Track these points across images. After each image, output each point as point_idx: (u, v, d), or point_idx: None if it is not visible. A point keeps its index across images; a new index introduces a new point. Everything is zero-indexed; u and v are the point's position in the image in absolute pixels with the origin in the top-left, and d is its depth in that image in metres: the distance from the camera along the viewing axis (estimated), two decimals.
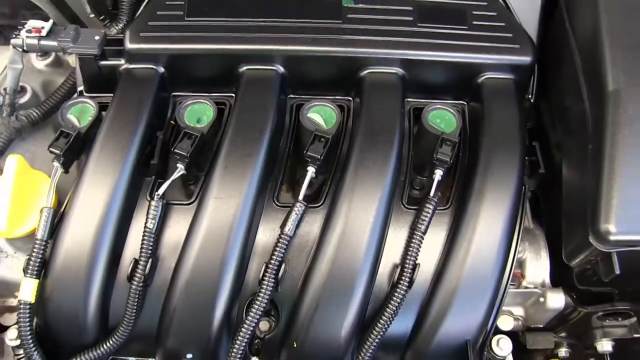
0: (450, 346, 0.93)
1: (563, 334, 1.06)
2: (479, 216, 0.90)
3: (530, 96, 1.05)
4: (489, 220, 0.90)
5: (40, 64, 1.12)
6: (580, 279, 0.98)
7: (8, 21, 1.42)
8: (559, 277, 1.02)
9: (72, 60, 1.18)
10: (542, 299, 0.99)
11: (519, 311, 1.05)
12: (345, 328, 0.89)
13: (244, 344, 0.87)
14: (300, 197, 0.89)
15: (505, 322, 1.03)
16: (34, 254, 0.85)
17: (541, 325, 1.06)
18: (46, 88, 1.12)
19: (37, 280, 0.85)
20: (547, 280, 1.01)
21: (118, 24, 1.13)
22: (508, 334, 1.03)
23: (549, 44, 1.06)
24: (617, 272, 0.83)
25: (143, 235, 0.87)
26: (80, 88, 1.01)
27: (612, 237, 0.80)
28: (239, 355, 0.88)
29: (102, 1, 1.18)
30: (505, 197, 0.90)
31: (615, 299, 1.00)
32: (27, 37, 0.95)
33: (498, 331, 1.02)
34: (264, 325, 0.95)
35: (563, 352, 1.06)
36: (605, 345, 1.00)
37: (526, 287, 1.02)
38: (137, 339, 0.93)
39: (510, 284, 1.02)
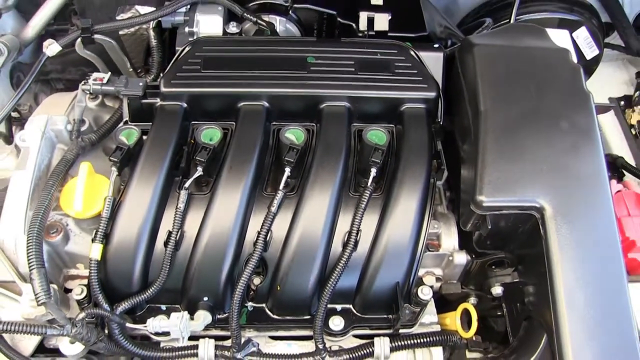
0: (385, 292, 1.30)
1: (471, 287, 1.45)
2: (399, 199, 1.30)
3: (439, 120, 1.47)
4: (407, 202, 1.30)
5: (91, 104, 1.49)
6: (477, 244, 1.39)
7: (58, 75, 1.84)
8: (464, 244, 1.41)
9: (111, 102, 1.58)
10: (451, 258, 1.38)
11: (438, 271, 1.43)
12: (312, 278, 1.28)
13: (242, 288, 1.23)
14: (281, 187, 1.29)
15: (429, 279, 1.40)
16: (100, 227, 1.22)
17: (455, 281, 1.45)
18: (96, 121, 1.50)
19: (102, 245, 1.23)
20: (456, 246, 1.40)
21: (149, 75, 1.56)
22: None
23: (450, 85, 1.51)
24: (489, 227, 1.26)
25: (175, 215, 1.26)
26: (126, 119, 1.42)
27: (484, 204, 1.21)
28: (238, 298, 1.23)
29: (138, 59, 1.62)
30: (418, 186, 1.31)
31: (506, 263, 1.43)
32: (93, 84, 1.39)
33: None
34: (256, 280, 1.32)
35: (472, 300, 1.43)
36: (497, 289, 1.39)
37: (441, 252, 1.43)
38: (167, 292, 1.28)
39: (430, 250, 1.43)
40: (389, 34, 1.62)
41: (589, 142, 1.30)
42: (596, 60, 2.03)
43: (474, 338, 1.38)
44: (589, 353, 1.13)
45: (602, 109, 1.74)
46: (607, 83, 2.30)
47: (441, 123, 1.49)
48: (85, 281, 1.29)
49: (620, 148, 2.09)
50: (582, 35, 1.92)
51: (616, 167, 1.98)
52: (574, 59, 1.48)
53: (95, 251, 1.22)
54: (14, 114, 1.73)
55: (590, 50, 1.96)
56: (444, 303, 1.46)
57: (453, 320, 1.37)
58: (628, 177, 1.96)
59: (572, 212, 1.22)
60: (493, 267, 1.40)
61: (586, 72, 2.05)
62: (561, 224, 1.20)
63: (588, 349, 1.13)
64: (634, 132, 2.13)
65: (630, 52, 2.16)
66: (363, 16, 1.62)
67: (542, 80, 1.37)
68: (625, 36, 2.11)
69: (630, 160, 2.02)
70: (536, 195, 1.22)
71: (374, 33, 1.62)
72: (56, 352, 1.27)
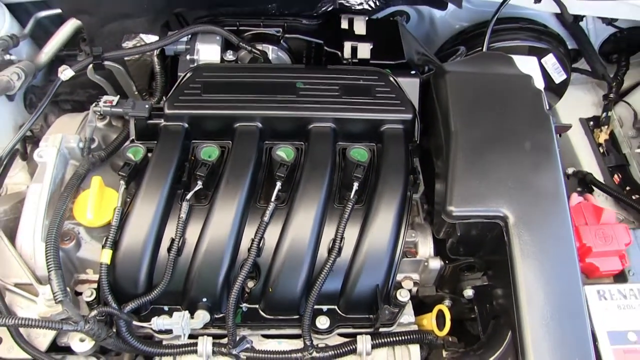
0: (366, 294, 1.42)
1: (446, 290, 1.58)
2: (378, 210, 1.43)
3: (416, 139, 1.61)
4: (385, 213, 1.43)
5: (100, 124, 1.63)
6: (450, 251, 1.52)
7: (66, 97, 1.97)
8: (439, 251, 1.54)
9: (117, 123, 1.70)
10: (427, 264, 1.51)
11: (415, 276, 1.56)
12: (300, 281, 1.41)
13: (238, 291, 1.36)
14: (273, 199, 1.43)
15: (407, 283, 1.52)
16: (110, 235, 1.35)
17: (430, 285, 1.58)
18: (104, 139, 1.64)
19: (111, 251, 1.36)
20: (432, 253, 1.53)
21: (153, 98, 1.71)
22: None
23: (426, 108, 1.65)
24: (458, 234, 1.40)
25: (177, 224, 1.39)
26: (132, 137, 1.56)
27: (454, 214, 1.35)
28: (234, 299, 1.36)
29: (141, 83, 1.77)
30: (395, 198, 1.44)
31: (475, 268, 1.57)
32: (103, 105, 1.53)
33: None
34: (250, 283, 1.45)
35: (447, 302, 1.55)
36: (468, 292, 1.51)
37: (418, 259, 1.55)
38: (170, 294, 1.40)
39: (408, 257, 1.55)
40: (371, 62, 1.74)
41: (548, 159, 1.44)
42: (565, 84, 2.18)
43: (450, 339, 1.50)
44: (546, 346, 1.25)
45: (562, 128, 1.89)
46: (577, 104, 2.44)
47: (418, 142, 1.62)
48: (95, 285, 1.41)
49: (590, 165, 2.25)
50: (550, 61, 2.08)
51: (586, 182, 2.14)
52: (539, 84, 1.65)
53: (105, 256, 1.35)
54: (27, 133, 1.86)
55: (558, 75, 2.12)
56: (421, 306, 1.59)
57: (429, 321, 1.50)
58: (596, 192, 2.12)
59: (532, 220, 1.35)
60: (464, 271, 1.54)
61: (557, 94, 2.24)
62: (522, 232, 1.34)
63: (545, 343, 1.26)
64: (601, 150, 2.29)
65: (596, 76, 2.31)
66: (347, 45, 1.74)
67: (507, 104, 1.52)
68: (591, 62, 2.26)
69: (599, 176, 2.18)
70: (500, 206, 1.35)
71: (357, 60, 1.74)
72: (67, 350, 1.40)
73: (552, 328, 1.27)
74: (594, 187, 2.11)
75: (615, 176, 2.21)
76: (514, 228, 1.35)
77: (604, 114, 2.31)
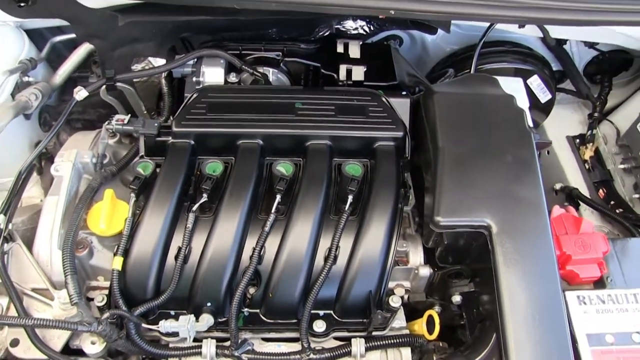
0: (360, 299, 1.50)
1: (435, 297, 1.65)
2: (371, 221, 1.51)
3: (407, 155, 1.71)
4: (377, 224, 1.51)
5: (111, 141, 1.74)
6: (439, 259, 1.61)
7: (78, 116, 2.09)
8: (428, 260, 1.62)
9: (126, 140, 1.83)
10: (417, 272, 1.59)
11: (407, 284, 1.63)
12: (298, 288, 1.49)
13: (240, 296, 1.45)
14: (273, 211, 1.52)
15: (399, 290, 1.60)
16: (121, 243, 1.45)
17: (421, 292, 1.67)
18: (114, 155, 1.74)
19: (122, 258, 1.45)
20: (422, 262, 1.61)
21: (161, 117, 1.82)
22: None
23: (416, 126, 1.75)
24: (446, 242, 1.50)
25: (184, 233, 1.49)
26: (142, 153, 1.66)
27: (441, 224, 1.44)
28: (237, 304, 1.45)
29: (149, 103, 1.89)
30: (387, 210, 1.53)
31: (463, 275, 1.66)
32: (115, 124, 1.65)
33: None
34: (252, 290, 1.53)
35: (437, 308, 1.61)
36: (456, 298, 1.57)
37: (409, 267, 1.63)
38: (176, 299, 1.48)
39: (400, 266, 1.66)
40: (364, 83, 1.84)
41: (529, 172, 1.54)
42: (551, 103, 2.30)
43: (440, 344, 1.59)
44: (528, 347, 1.33)
45: (543, 144, 2.00)
46: (564, 123, 2.54)
47: (409, 158, 1.72)
48: (105, 291, 1.50)
49: (576, 181, 2.35)
50: (536, 82, 2.20)
51: (572, 197, 2.24)
52: (524, 103, 1.76)
53: (117, 263, 1.44)
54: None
55: (544, 95, 2.24)
56: (413, 313, 1.67)
57: (420, 325, 1.58)
58: (583, 206, 2.22)
59: (514, 230, 1.44)
60: (452, 278, 1.63)
61: (544, 112, 2.35)
62: (505, 240, 1.43)
63: (527, 344, 1.33)
64: (587, 167, 2.39)
65: (580, 96, 2.43)
66: (343, 68, 1.84)
67: (491, 122, 1.63)
68: (576, 82, 2.38)
69: (585, 191, 2.28)
70: (484, 216, 1.44)
71: (351, 82, 1.84)
72: (78, 353, 1.48)
73: (534, 330, 1.35)
74: (580, 202, 2.21)
75: (600, 191, 2.28)
76: (497, 237, 1.43)
77: (589, 132, 2.40)
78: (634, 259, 1.62)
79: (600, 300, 1.52)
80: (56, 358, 1.37)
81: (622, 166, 2.27)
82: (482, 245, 1.47)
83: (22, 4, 1.67)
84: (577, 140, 2.45)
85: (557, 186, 2.30)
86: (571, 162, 2.40)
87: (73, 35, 1.95)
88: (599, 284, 1.58)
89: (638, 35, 2.05)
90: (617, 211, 2.17)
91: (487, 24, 1.99)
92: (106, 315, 1.37)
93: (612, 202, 2.23)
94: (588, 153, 2.39)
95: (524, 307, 1.37)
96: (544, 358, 1.34)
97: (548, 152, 2.49)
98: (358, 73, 1.84)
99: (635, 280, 1.57)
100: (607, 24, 1.69)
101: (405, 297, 1.65)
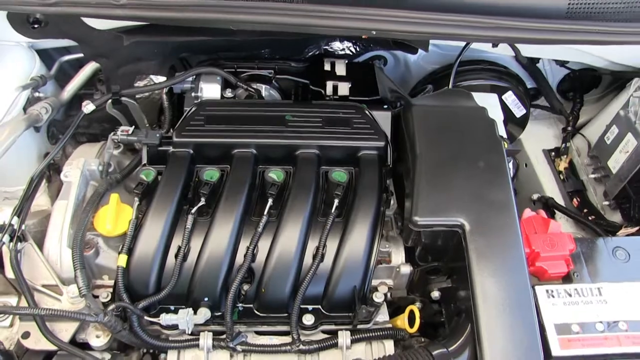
0: (345, 295, 1.60)
1: (417, 294, 1.78)
2: (355, 223, 1.62)
3: (388, 164, 1.84)
4: (361, 226, 1.62)
5: (115, 152, 1.87)
6: (419, 258, 1.73)
7: (83, 130, 2.21)
8: (409, 259, 1.75)
9: (128, 154, 1.98)
10: (398, 270, 1.70)
11: (389, 281, 1.74)
12: (288, 284, 1.59)
13: (235, 292, 1.56)
14: (265, 213, 1.66)
15: (382, 288, 1.71)
16: (126, 242, 1.57)
17: (403, 289, 1.79)
18: (118, 164, 1.87)
19: (126, 256, 1.57)
20: (403, 261, 1.72)
21: (162, 129, 1.95)
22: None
23: (397, 137, 1.89)
24: (423, 240, 1.62)
25: (183, 233, 1.62)
26: (144, 162, 1.80)
27: (419, 223, 1.55)
28: (232, 299, 1.56)
29: (151, 117, 2.03)
30: (370, 213, 1.64)
31: (440, 271, 1.79)
32: (121, 134, 1.79)
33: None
34: (245, 286, 1.64)
35: (418, 304, 1.72)
36: (435, 293, 1.66)
37: (391, 265, 1.76)
38: (175, 295, 1.58)
39: (383, 264, 1.77)
40: (350, 98, 1.95)
41: (500, 176, 1.67)
42: (526, 117, 2.45)
43: (422, 339, 1.71)
44: (500, 336, 1.44)
45: (512, 152, 2.13)
46: (541, 137, 2.67)
47: (390, 166, 1.85)
48: (110, 289, 1.62)
49: (552, 191, 2.49)
50: (510, 97, 2.36)
51: (548, 206, 2.38)
52: (498, 116, 1.91)
53: (121, 260, 1.55)
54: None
55: (518, 110, 2.40)
56: (397, 311, 1.80)
57: (402, 320, 1.69)
58: (558, 214, 2.36)
59: (486, 228, 1.56)
60: (431, 275, 1.76)
61: (520, 126, 2.50)
62: (478, 238, 1.54)
63: (499, 333, 1.44)
64: (562, 177, 2.53)
65: (554, 112, 2.59)
66: (329, 84, 1.97)
67: (465, 131, 1.76)
68: (549, 99, 2.54)
69: (560, 200, 2.42)
70: (458, 216, 1.56)
71: (337, 97, 1.96)
72: (83, 346, 1.59)
73: (504, 320, 1.46)
74: (556, 210, 2.35)
75: (575, 200, 2.41)
76: (470, 235, 1.55)
77: (563, 145, 2.54)
78: (598, 257, 1.75)
79: (567, 293, 1.63)
80: (64, 347, 1.48)
81: (593, 176, 2.40)
82: (457, 244, 1.58)
83: (35, 26, 1.81)
84: (553, 153, 2.59)
85: (535, 196, 2.44)
86: (547, 173, 2.53)
87: (79, 55, 2.08)
88: (567, 279, 1.69)
89: (602, 54, 2.23)
90: (590, 218, 2.29)
91: (463, 44, 2.15)
92: (112, 306, 1.48)
93: (585, 210, 2.36)
94: (562, 165, 2.52)
95: (495, 299, 1.48)
96: (514, 345, 1.44)
97: (526, 165, 2.65)
98: (343, 89, 1.96)
99: (598, 276, 1.69)
100: (570, 42, 1.86)
101: (389, 294, 1.76)
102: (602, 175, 2.36)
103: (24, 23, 1.83)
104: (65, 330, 1.55)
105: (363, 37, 1.97)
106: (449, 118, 1.81)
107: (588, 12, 1.82)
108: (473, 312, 1.48)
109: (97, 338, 1.57)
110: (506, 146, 1.79)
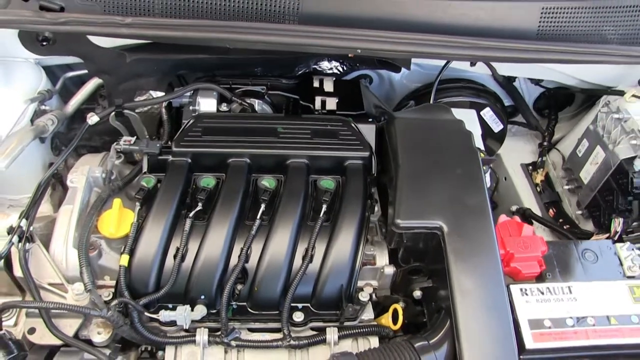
0: (333, 294, 1.68)
1: (400, 294, 1.87)
2: (342, 227, 1.71)
3: (374, 173, 1.97)
4: (347, 230, 1.70)
5: (117, 161, 1.98)
6: (402, 260, 1.85)
7: (84, 142, 2.32)
8: (393, 261, 1.86)
9: (129, 164, 2.10)
10: (382, 271, 1.81)
11: (374, 282, 1.84)
12: (280, 283, 1.66)
13: (229, 290, 1.65)
14: (258, 217, 1.77)
15: (367, 288, 1.81)
16: (128, 243, 1.68)
17: (387, 289, 1.90)
18: (120, 173, 1.97)
19: (128, 256, 1.67)
20: (387, 262, 1.83)
21: (161, 140, 2.08)
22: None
23: (381, 148, 2.02)
24: (405, 242, 1.74)
25: (181, 236, 1.72)
26: (145, 170, 1.91)
27: (400, 225, 1.64)
28: (226, 297, 1.64)
29: (151, 129, 2.16)
30: (355, 218, 1.72)
31: (421, 272, 1.90)
32: (123, 144, 1.90)
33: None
34: (239, 286, 1.74)
35: (401, 304, 1.81)
36: (417, 293, 1.72)
37: (376, 267, 1.87)
38: (174, 294, 1.67)
39: (368, 266, 1.89)
40: (337, 112, 2.05)
41: (476, 183, 1.79)
42: (503, 133, 2.60)
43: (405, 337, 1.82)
44: (476, 330, 1.54)
45: (487, 160, 2.27)
46: (519, 152, 2.80)
47: (375, 175, 1.97)
48: (112, 289, 1.71)
49: (530, 202, 2.62)
50: (488, 113, 2.51)
51: (525, 216, 2.52)
52: (476, 130, 2.05)
53: (123, 260, 1.65)
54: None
55: (496, 125, 2.55)
56: (382, 312, 1.91)
57: (387, 319, 1.80)
58: (535, 224, 2.49)
59: (463, 230, 1.66)
60: (413, 275, 1.87)
61: (498, 141, 2.65)
62: (455, 239, 1.65)
63: (476, 327, 1.54)
64: (538, 189, 2.67)
65: (531, 128, 2.75)
66: (318, 100, 2.07)
67: (443, 142, 1.89)
68: (526, 115, 2.69)
69: (537, 211, 2.55)
70: (437, 219, 1.67)
71: (325, 111, 2.06)
72: (85, 343, 1.68)
73: (481, 316, 1.56)
74: (533, 220, 2.48)
75: (551, 210, 2.54)
76: (448, 237, 1.66)
77: (540, 159, 2.68)
78: (569, 258, 1.87)
79: (540, 292, 1.73)
80: (69, 341, 1.57)
81: (567, 187, 2.54)
82: (437, 245, 1.69)
83: (44, 43, 1.94)
84: (530, 167, 2.73)
85: (513, 208, 2.57)
86: (525, 186, 2.67)
87: (82, 72, 2.20)
88: (540, 279, 1.80)
89: (573, 73, 2.39)
90: (565, 227, 2.43)
91: (443, 63, 2.30)
92: (115, 302, 1.58)
93: (560, 220, 2.49)
94: (539, 177, 2.66)
95: (472, 296, 1.58)
96: (490, 339, 1.55)
97: (505, 179, 2.79)
98: (331, 104, 2.07)
99: (569, 276, 1.81)
100: (540, 61, 2.02)
101: (374, 294, 1.87)
102: (575, 187, 2.50)
103: (34, 41, 1.95)
104: (69, 326, 1.64)
105: (350, 55, 2.11)
106: (429, 130, 1.95)
107: (556, 34, 1.99)
108: (452, 309, 1.58)
109: (99, 334, 1.66)
110: (482, 156, 1.93)
